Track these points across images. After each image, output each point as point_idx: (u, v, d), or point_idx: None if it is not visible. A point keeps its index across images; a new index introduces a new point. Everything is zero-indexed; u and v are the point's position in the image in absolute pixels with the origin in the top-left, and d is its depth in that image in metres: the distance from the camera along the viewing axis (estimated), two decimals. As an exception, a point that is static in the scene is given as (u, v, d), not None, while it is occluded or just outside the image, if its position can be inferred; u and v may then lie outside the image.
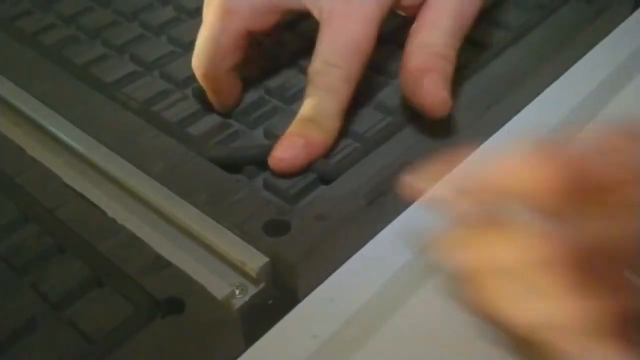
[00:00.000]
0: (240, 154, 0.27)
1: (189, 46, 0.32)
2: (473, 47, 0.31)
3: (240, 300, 0.23)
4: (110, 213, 0.25)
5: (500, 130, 0.29)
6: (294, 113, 0.28)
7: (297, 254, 0.24)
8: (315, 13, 0.28)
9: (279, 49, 0.32)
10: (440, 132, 0.28)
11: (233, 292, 0.23)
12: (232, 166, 0.27)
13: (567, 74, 0.31)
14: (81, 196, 0.26)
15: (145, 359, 0.21)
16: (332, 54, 0.27)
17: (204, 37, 0.29)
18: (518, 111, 0.30)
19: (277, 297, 0.24)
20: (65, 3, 0.36)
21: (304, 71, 0.31)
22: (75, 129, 0.29)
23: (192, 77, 0.30)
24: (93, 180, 0.27)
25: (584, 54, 0.32)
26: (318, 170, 0.26)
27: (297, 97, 0.29)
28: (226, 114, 0.29)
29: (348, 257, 0.25)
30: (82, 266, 0.23)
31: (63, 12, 0.35)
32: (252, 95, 0.30)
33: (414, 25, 0.28)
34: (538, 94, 0.30)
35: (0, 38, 0.34)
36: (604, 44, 0.33)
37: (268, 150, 0.26)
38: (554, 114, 0.29)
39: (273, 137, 0.28)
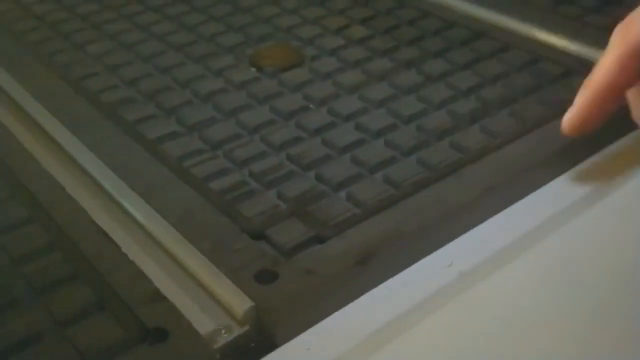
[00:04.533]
0: None
1: (230, 114, 0.36)
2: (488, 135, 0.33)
3: (224, 339, 0.25)
4: (124, 249, 0.28)
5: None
6: (306, 179, 0.31)
7: (281, 302, 0.26)
8: None
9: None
10: (437, 207, 0.30)
11: (218, 331, 0.25)
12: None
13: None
14: (103, 233, 0.29)
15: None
16: None
17: None
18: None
19: (259, 340, 0.26)
20: (129, 68, 0.40)
21: (324, 143, 0.34)
22: (112, 175, 0.32)
23: (225, 140, 0.34)
24: (117, 220, 0.30)
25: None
26: (316, 230, 0.28)
27: (313, 165, 0.32)
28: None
29: (331, 312, 0.26)
30: (90, 292, 0.26)
31: (125, 76, 0.39)
32: (273, 159, 0.33)
33: None
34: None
35: (67, 94, 0.39)
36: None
37: None
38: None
39: (286, 198, 0.30)
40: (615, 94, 0.31)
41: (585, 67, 0.36)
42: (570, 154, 0.33)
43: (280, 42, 0.43)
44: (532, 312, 0.27)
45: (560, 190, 0.32)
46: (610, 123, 0.32)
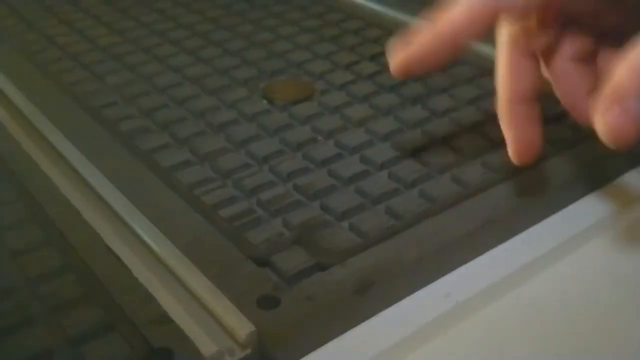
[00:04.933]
0: None
1: (240, 144, 0.37)
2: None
3: (227, 361, 0.27)
4: (134, 273, 0.29)
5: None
6: (311, 208, 0.32)
7: (282, 327, 0.27)
8: None
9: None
10: (436, 238, 0.31)
11: (221, 353, 0.27)
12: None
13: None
14: (116, 256, 0.30)
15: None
16: None
17: None
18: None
19: (260, 363, 0.27)
20: (146, 99, 0.42)
21: (330, 173, 0.35)
22: (126, 201, 0.33)
23: (235, 169, 0.35)
24: (128, 244, 0.31)
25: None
26: (318, 257, 0.30)
27: (318, 195, 0.33)
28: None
29: (330, 339, 0.28)
30: (101, 313, 0.28)
31: (142, 106, 0.41)
32: (280, 189, 0.34)
33: None
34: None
35: (86, 122, 0.40)
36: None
37: None
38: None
39: (291, 227, 0.32)
40: (454, 44, 0.29)
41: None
42: (569, 190, 0.34)
43: (292, 76, 0.44)
44: (525, 343, 0.28)
45: (558, 225, 0.33)
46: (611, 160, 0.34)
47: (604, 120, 0.25)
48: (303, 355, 0.27)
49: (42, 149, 0.38)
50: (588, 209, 0.34)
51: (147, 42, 0.49)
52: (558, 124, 0.37)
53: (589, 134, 0.27)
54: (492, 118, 0.38)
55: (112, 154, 0.37)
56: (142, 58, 0.47)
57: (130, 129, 0.39)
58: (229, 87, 0.43)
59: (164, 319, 0.27)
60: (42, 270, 0.30)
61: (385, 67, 0.44)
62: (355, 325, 0.28)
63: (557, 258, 0.32)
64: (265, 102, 0.41)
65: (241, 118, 0.40)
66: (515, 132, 0.31)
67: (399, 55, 0.30)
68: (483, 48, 0.42)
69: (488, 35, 0.30)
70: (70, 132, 0.39)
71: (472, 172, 0.34)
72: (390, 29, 0.49)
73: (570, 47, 0.31)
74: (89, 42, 0.50)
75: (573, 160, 0.35)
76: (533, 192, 0.34)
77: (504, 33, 0.31)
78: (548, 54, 0.31)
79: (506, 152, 0.32)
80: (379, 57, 0.46)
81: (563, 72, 0.32)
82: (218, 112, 0.41)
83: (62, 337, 0.27)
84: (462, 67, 0.43)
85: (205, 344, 0.27)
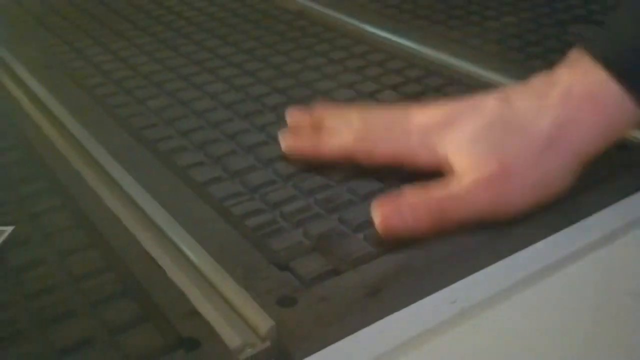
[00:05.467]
0: None
1: (268, 163, 0.41)
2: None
3: (248, 352, 0.29)
4: (168, 273, 0.33)
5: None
6: (330, 220, 0.35)
7: (298, 324, 0.30)
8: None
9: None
10: (445, 248, 0.34)
11: (243, 345, 0.29)
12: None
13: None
14: (152, 259, 0.34)
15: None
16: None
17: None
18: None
19: (278, 356, 0.30)
20: (184, 121, 0.46)
21: (348, 190, 0.38)
22: (163, 211, 0.37)
23: (262, 185, 0.39)
24: (164, 249, 0.34)
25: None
26: (333, 264, 0.33)
27: (337, 209, 0.36)
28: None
29: (342, 337, 0.30)
30: (137, 307, 0.31)
31: (180, 128, 0.45)
32: (301, 202, 0.37)
33: None
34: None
35: (129, 142, 0.44)
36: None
37: None
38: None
39: (310, 236, 0.35)
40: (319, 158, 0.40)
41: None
42: (572, 208, 0.37)
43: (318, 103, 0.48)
44: (522, 344, 0.31)
45: (560, 240, 0.36)
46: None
47: (380, 214, 0.35)
48: (317, 350, 0.30)
49: (88, 164, 0.42)
50: (584, 231, 0.36)
51: (185, 71, 0.53)
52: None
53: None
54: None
55: (152, 170, 0.41)
56: (180, 85, 0.51)
57: (169, 148, 0.43)
58: (260, 112, 0.47)
59: (194, 314, 0.31)
60: (86, 270, 0.33)
61: (404, 97, 0.47)
62: (365, 326, 0.31)
63: (558, 270, 0.34)
64: (292, 126, 0.45)
65: (270, 140, 0.43)
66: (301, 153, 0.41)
67: (289, 144, 0.41)
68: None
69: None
70: (114, 149, 0.43)
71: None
72: (412, 62, 0.52)
73: None
74: (132, 69, 0.54)
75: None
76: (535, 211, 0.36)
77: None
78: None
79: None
80: (401, 87, 0.49)
81: None
82: (249, 134, 0.44)
83: (101, 327, 0.30)
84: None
85: (230, 336, 0.30)
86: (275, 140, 0.43)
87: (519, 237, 0.35)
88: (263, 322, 0.30)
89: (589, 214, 0.37)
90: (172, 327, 0.30)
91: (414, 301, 0.32)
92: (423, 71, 0.51)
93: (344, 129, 0.40)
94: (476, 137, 0.37)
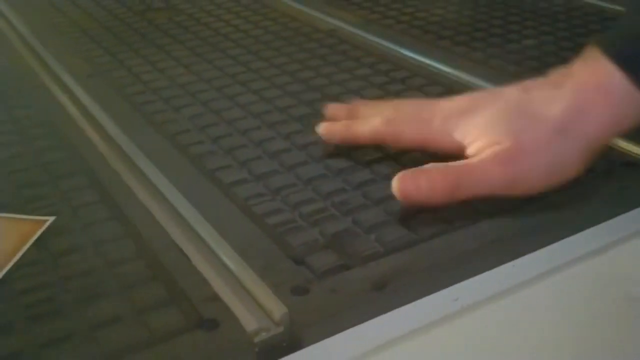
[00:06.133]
0: None
1: (290, 168, 0.44)
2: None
3: (263, 335, 0.32)
4: (194, 262, 0.36)
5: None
6: (344, 222, 0.38)
7: (309, 312, 0.33)
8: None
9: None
10: (449, 251, 0.36)
11: (259, 328, 0.32)
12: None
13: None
14: (180, 249, 0.37)
15: (187, 350, 0.31)
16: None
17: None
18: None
19: (290, 340, 0.32)
20: (214, 128, 0.49)
21: (363, 195, 0.41)
22: (192, 208, 0.40)
23: (283, 187, 0.41)
24: (191, 241, 0.37)
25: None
26: (344, 260, 0.35)
27: (352, 211, 0.39)
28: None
29: (349, 326, 0.33)
30: (164, 290, 0.34)
31: (211, 134, 0.48)
32: (319, 204, 0.40)
33: None
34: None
35: (163, 145, 0.47)
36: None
37: None
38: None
39: (325, 235, 0.37)
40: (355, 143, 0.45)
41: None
42: (569, 220, 0.39)
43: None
44: (519, 341, 0.33)
45: (560, 248, 0.38)
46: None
47: (399, 182, 0.39)
48: (326, 337, 0.33)
49: (125, 164, 0.45)
50: (585, 241, 0.38)
51: (219, 82, 0.57)
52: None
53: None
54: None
55: (183, 171, 0.44)
56: (214, 95, 0.55)
57: (200, 152, 0.46)
58: (285, 122, 0.50)
59: (215, 298, 0.33)
60: (119, 257, 0.36)
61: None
62: (370, 317, 0.33)
63: (556, 274, 0.36)
64: (315, 135, 0.48)
65: (293, 147, 0.46)
66: (340, 139, 0.46)
67: (326, 127, 0.46)
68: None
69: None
70: (150, 151, 0.46)
71: (488, 200, 0.40)
72: (434, 79, 0.55)
73: None
74: (169, 79, 0.58)
75: (576, 195, 0.40)
76: (538, 219, 0.38)
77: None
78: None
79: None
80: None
81: None
82: (274, 141, 0.47)
83: (131, 307, 0.33)
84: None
85: (247, 320, 0.32)
86: (298, 147, 0.46)
87: (520, 243, 0.37)
88: (277, 308, 0.33)
89: (589, 225, 0.39)
90: (195, 309, 0.33)
91: (418, 298, 0.35)
92: (443, 88, 0.54)
93: (376, 115, 0.44)
94: (493, 121, 0.40)
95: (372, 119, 0.44)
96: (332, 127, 0.46)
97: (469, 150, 0.40)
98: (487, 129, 0.40)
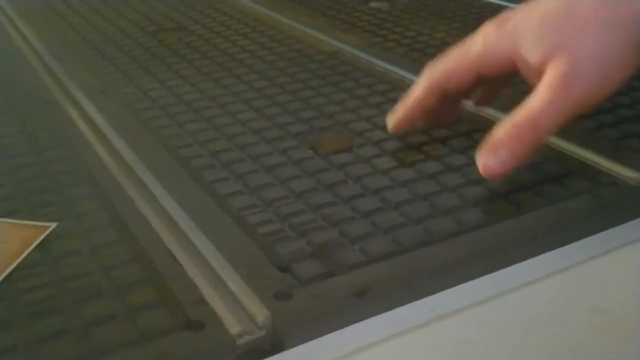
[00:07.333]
0: None
1: (283, 182, 0.46)
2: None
3: (246, 338, 0.34)
4: (185, 268, 0.38)
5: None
6: (331, 233, 0.40)
7: (291, 316, 0.34)
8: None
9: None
10: (429, 262, 0.38)
11: (242, 331, 0.34)
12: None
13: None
14: (172, 255, 0.39)
15: (174, 349, 0.32)
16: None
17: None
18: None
19: (272, 343, 0.34)
20: (215, 143, 0.51)
21: (352, 208, 0.42)
22: (187, 217, 0.42)
23: (276, 199, 0.43)
24: (183, 248, 0.39)
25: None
26: (328, 268, 0.37)
27: (339, 223, 0.41)
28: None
29: (330, 330, 0.34)
30: (155, 292, 0.36)
31: (211, 148, 0.50)
32: (309, 216, 0.42)
33: None
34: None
35: (165, 157, 0.50)
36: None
37: None
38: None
39: (313, 244, 0.39)
40: (420, 111, 0.48)
41: (587, 168, 0.44)
42: (551, 236, 0.40)
43: (337, 132, 0.52)
44: (490, 346, 0.34)
45: (536, 264, 0.39)
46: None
47: (481, 162, 0.41)
48: (307, 341, 0.34)
49: (127, 175, 0.47)
50: (556, 259, 0.40)
51: (223, 100, 0.59)
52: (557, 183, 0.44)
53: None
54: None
55: (182, 182, 0.46)
56: (217, 112, 0.57)
57: (200, 164, 0.48)
58: (283, 138, 0.52)
59: (202, 302, 0.35)
60: (115, 261, 0.38)
61: (415, 130, 0.52)
62: (351, 322, 0.35)
63: (527, 287, 0.38)
64: (310, 151, 0.50)
65: (288, 162, 0.48)
66: (404, 120, 0.49)
67: (389, 120, 0.50)
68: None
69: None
70: (152, 164, 0.48)
71: (471, 216, 0.41)
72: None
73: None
74: (176, 97, 0.60)
75: (551, 212, 0.41)
76: (514, 235, 0.40)
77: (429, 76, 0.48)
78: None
79: (506, 204, 0.40)
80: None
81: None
82: (271, 156, 0.49)
83: (124, 307, 0.35)
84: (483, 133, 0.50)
85: (231, 323, 0.34)
86: (293, 162, 0.48)
87: (497, 258, 0.39)
88: (260, 312, 0.34)
89: (561, 244, 0.40)
90: (183, 311, 0.35)
91: (397, 306, 0.36)
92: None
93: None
94: (542, 28, 0.41)
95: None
96: (392, 114, 0.49)
97: (521, 64, 0.42)
98: (536, 39, 0.41)
